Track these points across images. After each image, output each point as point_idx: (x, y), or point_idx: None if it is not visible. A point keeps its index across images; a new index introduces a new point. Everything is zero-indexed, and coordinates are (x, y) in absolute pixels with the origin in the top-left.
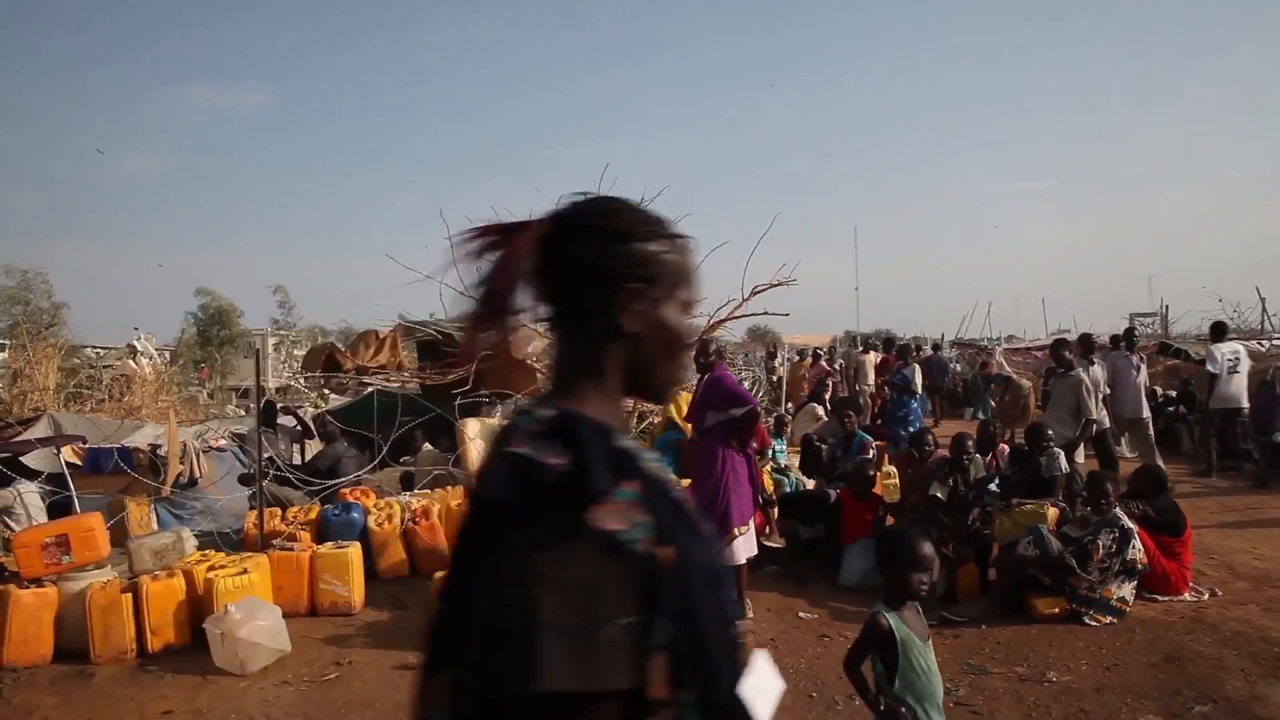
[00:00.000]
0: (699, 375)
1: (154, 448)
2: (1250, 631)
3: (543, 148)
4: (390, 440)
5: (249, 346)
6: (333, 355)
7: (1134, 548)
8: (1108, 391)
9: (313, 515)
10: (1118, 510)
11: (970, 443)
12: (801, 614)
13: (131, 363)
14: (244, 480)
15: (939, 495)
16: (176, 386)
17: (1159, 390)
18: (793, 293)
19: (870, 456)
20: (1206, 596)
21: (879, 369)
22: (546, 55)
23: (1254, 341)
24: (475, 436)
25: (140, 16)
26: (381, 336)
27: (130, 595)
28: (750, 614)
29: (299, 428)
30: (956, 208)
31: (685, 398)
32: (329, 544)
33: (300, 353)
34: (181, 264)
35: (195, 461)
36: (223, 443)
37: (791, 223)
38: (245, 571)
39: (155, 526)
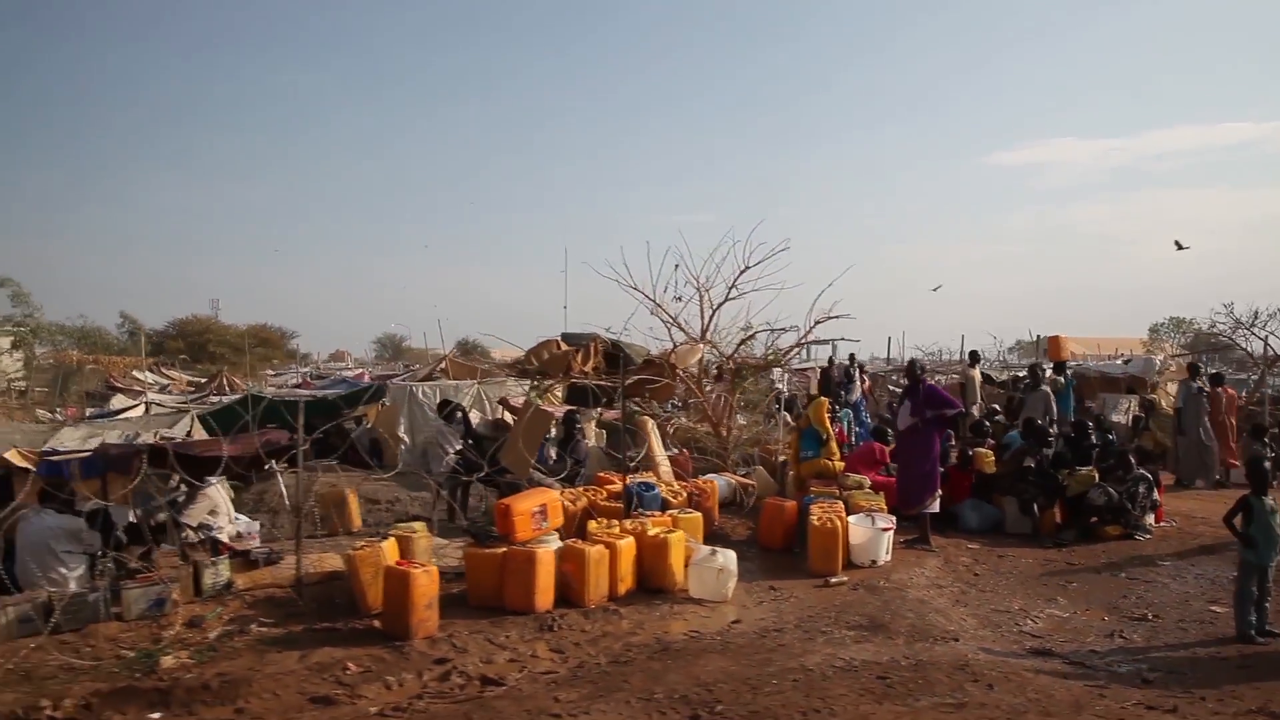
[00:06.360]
0: (909, 385)
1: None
2: (1206, 533)
3: (196, 131)
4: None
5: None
6: (568, 360)
7: (1155, 492)
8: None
9: (603, 494)
10: (1141, 470)
11: (1053, 429)
12: (970, 545)
13: None
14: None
15: (1031, 465)
16: None
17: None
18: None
19: (953, 444)
20: (1172, 524)
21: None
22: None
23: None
24: (653, 431)
25: None
26: (562, 349)
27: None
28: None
29: (463, 426)
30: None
31: (823, 404)
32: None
33: (43, 349)
34: None
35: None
36: None
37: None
38: (673, 530)
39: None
